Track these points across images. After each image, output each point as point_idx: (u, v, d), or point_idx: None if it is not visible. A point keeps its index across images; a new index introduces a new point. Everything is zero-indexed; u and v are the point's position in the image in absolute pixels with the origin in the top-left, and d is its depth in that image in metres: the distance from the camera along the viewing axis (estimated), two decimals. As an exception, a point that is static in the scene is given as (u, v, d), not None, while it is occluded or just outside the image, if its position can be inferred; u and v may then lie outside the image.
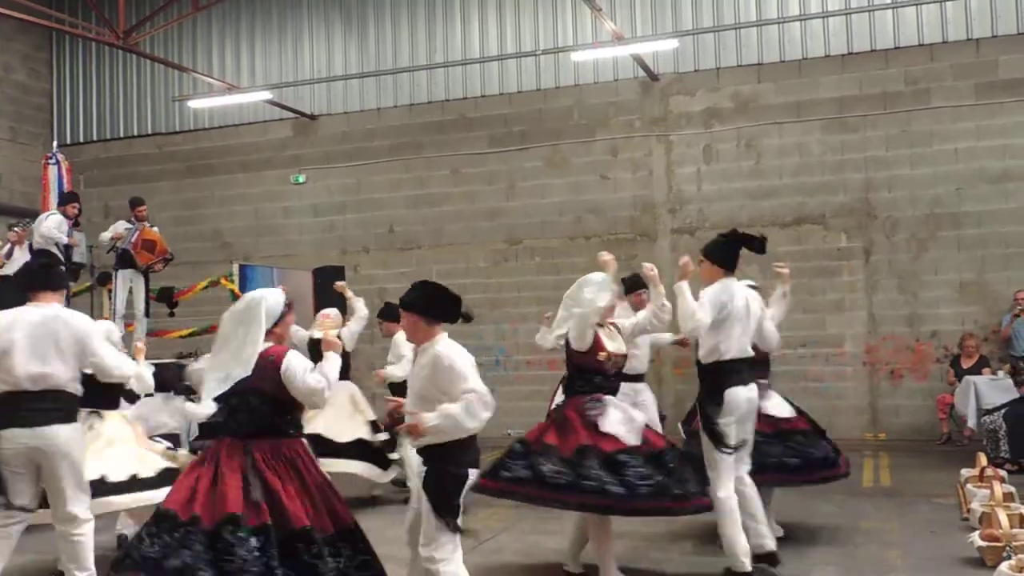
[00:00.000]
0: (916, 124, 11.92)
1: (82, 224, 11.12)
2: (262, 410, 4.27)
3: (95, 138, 16.10)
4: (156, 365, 7.11)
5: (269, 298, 4.43)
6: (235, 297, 11.40)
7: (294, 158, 14.82)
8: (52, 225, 10.04)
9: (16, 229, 10.35)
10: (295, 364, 4.26)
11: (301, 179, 14.74)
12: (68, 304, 10.79)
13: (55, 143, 14.52)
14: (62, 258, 10.18)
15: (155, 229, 10.97)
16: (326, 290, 12.44)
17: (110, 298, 11.03)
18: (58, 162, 12.32)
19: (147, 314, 11.08)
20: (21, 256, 10.19)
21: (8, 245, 10.23)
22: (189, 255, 13.90)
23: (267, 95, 13.79)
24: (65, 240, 10.16)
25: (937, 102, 11.84)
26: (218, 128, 15.22)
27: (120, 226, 10.88)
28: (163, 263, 11.05)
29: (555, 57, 13.24)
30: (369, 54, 14.45)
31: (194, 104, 14.32)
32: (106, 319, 11.15)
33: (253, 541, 3.97)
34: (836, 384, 12.04)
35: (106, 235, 10.82)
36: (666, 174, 12.98)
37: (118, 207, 11.41)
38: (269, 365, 4.25)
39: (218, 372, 4.23)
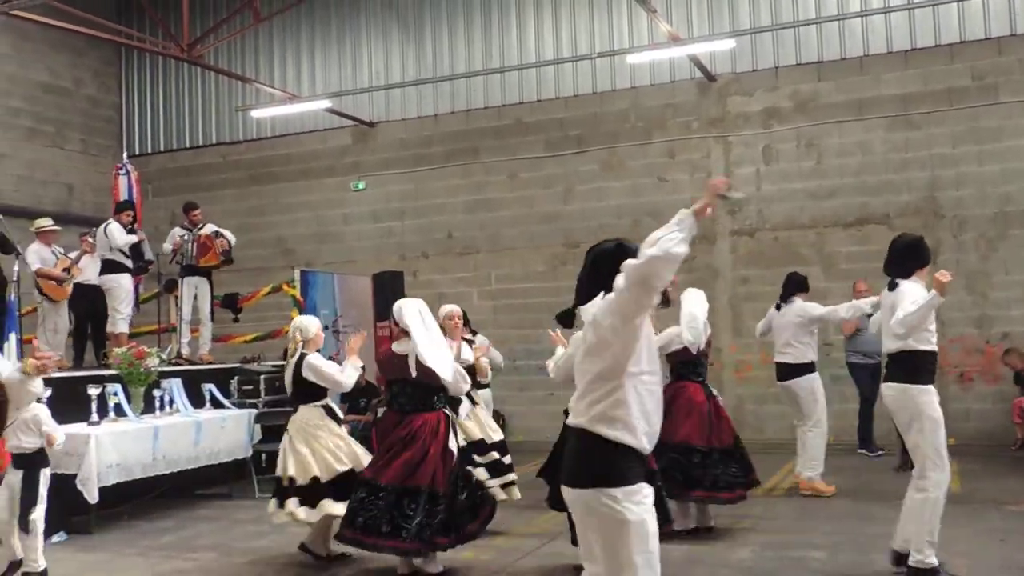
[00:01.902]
0: (984, 120, 11.61)
1: (145, 231, 11.32)
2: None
3: (162, 149, 16.54)
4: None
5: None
6: (296, 303, 11.62)
7: (353, 165, 15.02)
8: (117, 233, 10.31)
9: (89, 239, 10.66)
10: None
11: (361, 186, 14.93)
12: (137, 309, 11.16)
13: (125, 154, 14.93)
14: (129, 263, 10.43)
15: (207, 228, 11.09)
16: (385, 295, 12.60)
17: (176, 304, 11.29)
18: (128, 172, 12.63)
19: (212, 319, 11.32)
20: (91, 265, 10.49)
21: (81, 253, 10.54)
22: (252, 262, 14.19)
23: (327, 103, 14.00)
24: (126, 242, 10.39)
25: (1005, 97, 11.51)
26: (280, 137, 15.51)
27: (176, 233, 11.10)
28: (224, 242, 11.01)
29: (611, 60, 13.20)
30: (426, 61, 14.58)
31: (256, 114, 14.61)
32: (173, 325, 11.46)
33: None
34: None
35: (167, 246, 11.08)
36: (724, 175, 12.85)
37: (184, 217, 11.66)
38: None
39: None
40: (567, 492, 3.36)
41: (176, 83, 16.54)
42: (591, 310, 3.44)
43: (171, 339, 11.36)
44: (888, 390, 5.65)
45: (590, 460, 3.28)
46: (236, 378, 10.00)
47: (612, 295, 3.31)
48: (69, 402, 8.04)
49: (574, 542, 4.78)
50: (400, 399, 5.99)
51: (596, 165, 13.49)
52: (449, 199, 14.31)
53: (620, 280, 3.27)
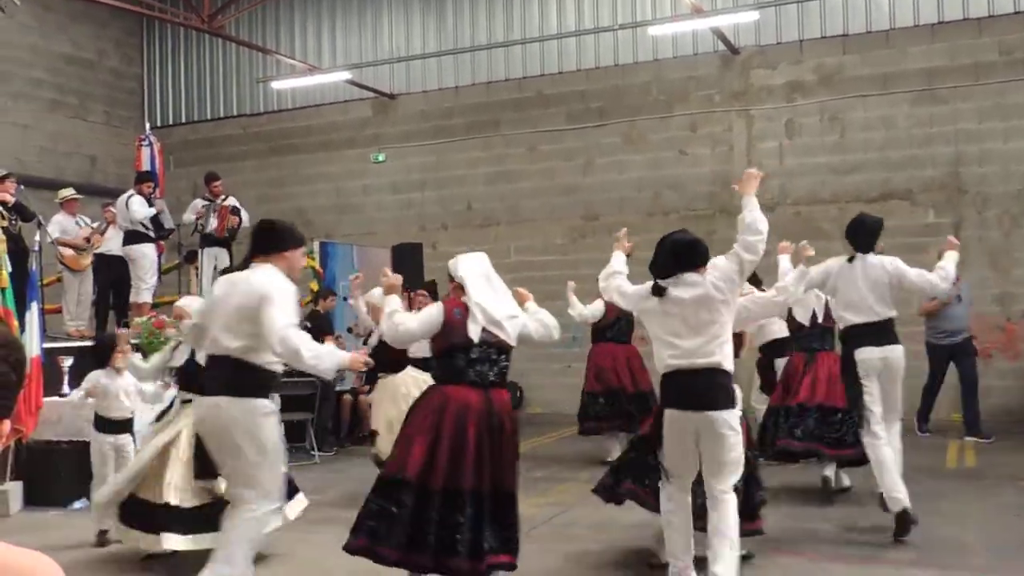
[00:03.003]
0: (1011, 96, 11.43)
1: (167, 202, 11.38)
2: None
3: (184, 120, 16.61)
4: None
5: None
6: (316, 274, 11.68)
7: (374, 137, 15.03)
8: (138, 206, 10.38)
9: (112, 209, 10.75)
10: None
11: (381, 158, 14.94)
12: (160, 281, 11.25)
13: (147, 125, 15.01)
14: (151, 232, 10.51)
15: (230, 201, 11.10)
16: (404, 266, 12.64)
17: (197, 275, 11.38)
18: (151, 143, 12.68)
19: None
20: (114, 235, 10.60)
21: (104, 224, 10.65)
22: (273, 233, 14.24)
23: (347, 75, 14.00)
24: (148, 214, 10.47)
25: (1033, 72, 11.35)
26: (300, 108, 15.53)
27: (198, 204, 11.14)
28: (235, 217, 10.96)
29: (633, 32, 13.09)
30: (447, 32, 14.52)
31: (277, 85, 14.63)
32: (194, 295, 11.54)
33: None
34: (922, 364, 11.69)
35: (188, 217, 11.10)
36: (747, 149, 12.76)
37: (204, 187, 11.73)
38: None
39: None
40: (705, 416, 4.42)
41: (197, 54, 16.57)
42: (695, 279, 4.54)
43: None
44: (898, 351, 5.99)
45: (727, 389, 4.48)
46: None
47: (729, 268, 4.55)
48: (90, 371, 8.15)
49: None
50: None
51: (617, 138, 13.43)
52: (469, 171, 14.30)
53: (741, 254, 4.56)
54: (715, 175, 12.89)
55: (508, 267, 13.90)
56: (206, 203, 11.10)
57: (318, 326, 9.35)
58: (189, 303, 6.94)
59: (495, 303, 4.61)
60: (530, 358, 12.83)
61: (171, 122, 16.62)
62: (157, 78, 16.85)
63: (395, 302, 4.66)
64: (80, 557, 5.83)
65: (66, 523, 6.78)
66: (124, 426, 6.49)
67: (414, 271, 12.81)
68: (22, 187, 9.29)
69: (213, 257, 11.03)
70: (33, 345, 7.56)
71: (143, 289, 10.39)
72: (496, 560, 4.27)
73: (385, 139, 14.95)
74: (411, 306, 8.10)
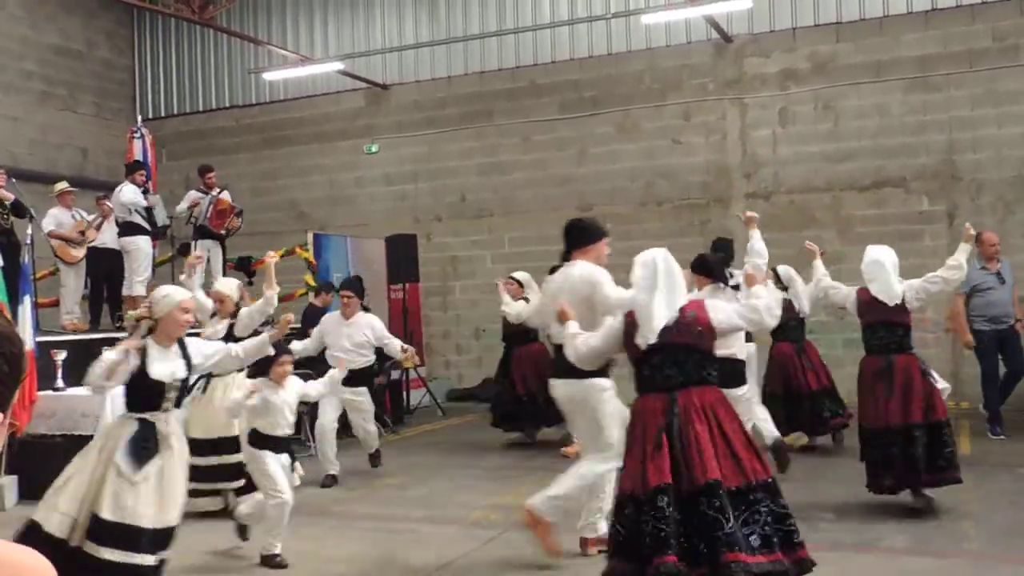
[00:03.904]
0: (1004, 83, 11.43)
1: (160, 194, 11.36)
2: None
3: (175, 112, 16.52)
4: None
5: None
6: (310, 266, 11.66)
7: (367, 128, 14.98)
8: (131, 192, 10.33)
9: (107, 202, 10.68)
10: None
11: (374, 149, 14.89)
12: (153, 274, 11.23)
13: (139, 117, 14.94)
14: (146, 225, 10.47)
15: (225, 196, 11.08)
16: (398, 258, 12.63)
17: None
18: (142, 135, 12.63)
19: (226, 282, 11.35)
20: (108, 228, 10.54)
21: (99, 217, 10.58)
22: (266, 225, 14.21)
23: (339, 65, 13.93)
24: (145, 203, 10.44)
25: (1027, 58, 11.35)
26: (293, 100, 15.46)
27: (193, 195, 11.10)
28: (237, 219, 11.08)
29: (626, 20, 13.05)
30: (440, 22, 14.46)
31: (269, 76, 14.56)
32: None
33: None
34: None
35: (183, 206, 11.04)
36: (740, 138, 12.74)
37: (199, 179, 11.69)
38: None
39: None
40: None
41: (189, 46, 16.48)
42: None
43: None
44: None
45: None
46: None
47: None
48: (85, 364, 8.10)
49: None
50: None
51: (610, 127, 13.40)
52: (463, 162, 14.26)
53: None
54: (709, 164, 12.88)
55: (503, 258, 13.91)
56: (201, 194, 11.06)
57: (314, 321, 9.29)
58: (226, 285, 6.93)
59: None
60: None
61: (163, 114, 16.53)
62: (148, 69, 16.75)
63: (574, 327, 4.69)
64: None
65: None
66: (286, 444, 5.73)
67: (407, 263, 12.81)
68: (14, 180, 9.25)
69: (206, 249, 10.97)
70: (26, 339, 7.53)
71: (136, 282, 10.34)
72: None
73: (378, 130, 14.90)
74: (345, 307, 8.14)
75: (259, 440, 5.59)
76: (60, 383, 7.91)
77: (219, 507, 6.46)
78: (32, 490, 7.35)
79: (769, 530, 3.96)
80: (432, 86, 14.52)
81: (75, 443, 6.91)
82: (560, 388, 5.31)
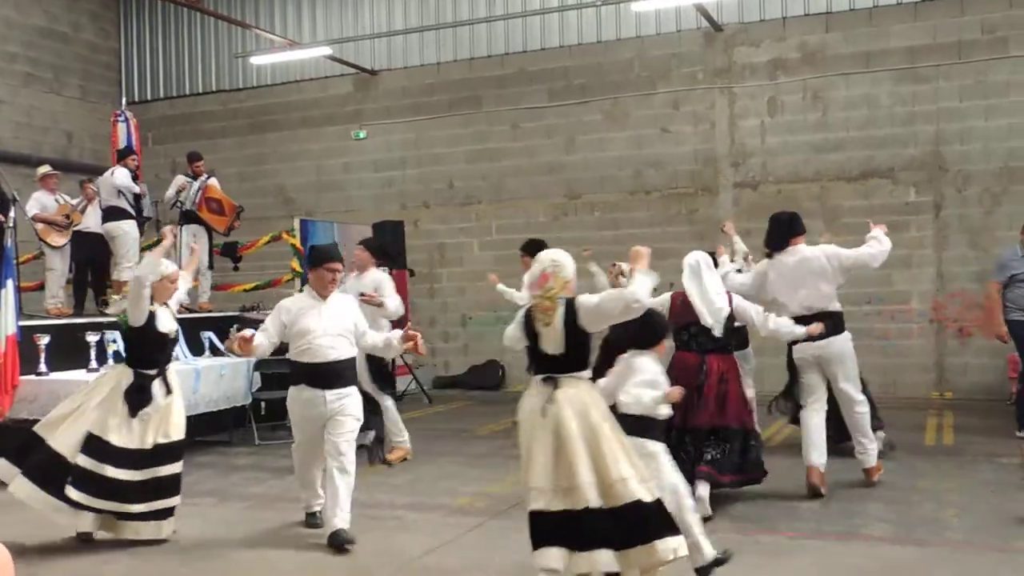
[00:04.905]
0: (992, 74, 11.46)
1: (145, 178, 11.32)
2: None
3: (162, 95, 16.39)
4: None
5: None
6: (296, 251, 11.60)
7: (355, 113, 14.90)
8: (124, 176, 10.26)
9: (91, 186, 10.60)
10: None
11: (362, 135, 14.82)
12: (139, 259, 11.17)
13: (123, 101, 14.81)
14: (132, 210, 10.40)
15: (214, 182, 11.04)
16: (386, 245, 12.56)
17: (175, 252, 11.25)
18: (127, 119, 12.54)
19: (211, 267, 11.32)
20: (92, 213, 10.47)
21: (83, 201, 10.50)
22: (252, 211, 14.07)
23: (327, 51, 13.85)
24: (137, 190, 10.40)
25: (1015, 51, 11.35)
26: (280, 84, 15.37)
27: (180, 180, 11.05)
28: (238, 218, 11.21)
29: (616, 8, 13.01)
30: (429, 8, 14.38)
31: (256, 60, 14.46)
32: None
33: None
34: (902, 342, 11.80)
35: (170, 192, 10.99)
36: (729, 127, 12.74)
37: (185, 164, 11.61)
38: None
39: None
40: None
41: (175, 28, 16.34)
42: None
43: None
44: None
45: None
46: (235, 326, 9.99)
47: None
48: (69, 349, 8.09)
49: None
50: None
51: (599, 115, 13.37)
52: (451, 149, 14.21)
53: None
54: (697, 153, 12.87)
55: (490, 245, 13.89)
56: (189, 179, 11.01)
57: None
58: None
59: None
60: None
61: (148, 97, 16.41)
62: (134, 52, 16.60)
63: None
64: (55, 536, 5.80)
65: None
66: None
67: (395, 249, 12.76)
68: (-4, 164, 9.15)
69: (191, 234, 10.92)
70: (9, 323, 7.49)
71: (125, 267, 10.27)
72: None
73: (366, 116, 14.83)
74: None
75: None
76: (43, 367, 7.86)
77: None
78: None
79: (737, 459, 6.06)
80: (421, 72, 14.45)
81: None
82: None
